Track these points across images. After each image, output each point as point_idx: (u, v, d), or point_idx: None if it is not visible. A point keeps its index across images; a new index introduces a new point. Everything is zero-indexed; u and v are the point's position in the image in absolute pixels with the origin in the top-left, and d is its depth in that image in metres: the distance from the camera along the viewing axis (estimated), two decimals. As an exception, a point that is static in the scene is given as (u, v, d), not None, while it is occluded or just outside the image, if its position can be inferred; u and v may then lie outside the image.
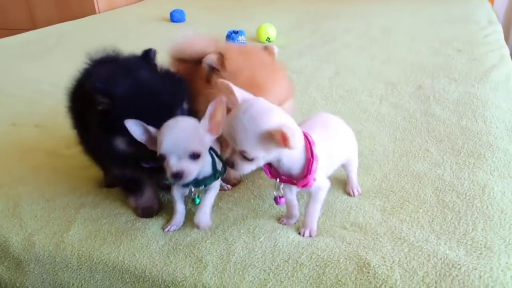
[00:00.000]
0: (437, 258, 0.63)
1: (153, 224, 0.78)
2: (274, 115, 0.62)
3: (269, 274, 0.65)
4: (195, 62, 0.84)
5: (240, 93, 0.64)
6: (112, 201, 0.85)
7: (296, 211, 0.76)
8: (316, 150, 0.66)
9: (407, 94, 1.24)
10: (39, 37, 2.21)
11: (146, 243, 0.73)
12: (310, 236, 0.72)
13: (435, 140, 0.97)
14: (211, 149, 0.74)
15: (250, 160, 0.63)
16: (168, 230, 0.76)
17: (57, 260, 0.74)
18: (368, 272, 0.62)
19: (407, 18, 2.12)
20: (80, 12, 2.65)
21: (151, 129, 0.69)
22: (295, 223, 0.76)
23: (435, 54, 1.56)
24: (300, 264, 0.65)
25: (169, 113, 0.70)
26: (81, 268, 0.73)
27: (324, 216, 0.76)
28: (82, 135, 0.83)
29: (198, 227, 0.74)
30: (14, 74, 1.70)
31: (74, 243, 0.75)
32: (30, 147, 1.09)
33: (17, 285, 0.77)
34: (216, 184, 0.77)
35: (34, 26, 2.74)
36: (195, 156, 0.68)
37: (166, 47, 0.93)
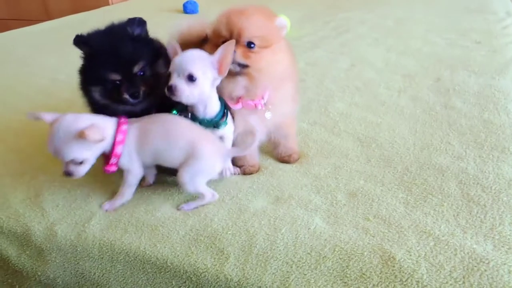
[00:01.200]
0: (464, 253, 0.62)
1: (172, 214, 0.78)
2: (79, 120, 0.73)
3: (291, 267, 0.64)
4: (196, 44, 0.87)
5: (50, 116, 0.74)
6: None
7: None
8: (119, 138, 0.77)
9: (426, 86, 1.22)
10: (54, 27, 2.22)
11: (166, 233, 0.73)
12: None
13: (457, 133, 0.95)
14: (225, 104, 0.82)
15: (81, 163, 0.75)
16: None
17: (78, 249, 0.74)
18: (394, 266, 0.61)
19: (421, 9, 2.09)
20: (94, 3, 2.65)
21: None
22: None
23: (452, 46, 1.53)
24: (323, 257, 0.65)
25: (129, 65, 0.79)
26: (102, 258, 0.73)
27: (346, 207, 0.76)
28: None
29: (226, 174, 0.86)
30: (30, 64, 1.71)
31: (95, 233, 0.75)
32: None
33: (39, 273, 0.77)
34: (228, 135, 0.84)
35: (48, 17, 2.75)
36: (190, 78, 0.75)
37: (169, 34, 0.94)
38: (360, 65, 1.44)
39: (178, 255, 0.69)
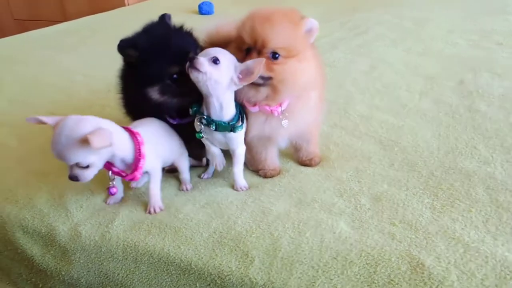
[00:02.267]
0: (495, 260, 0.60)
1: (195, 216, 0.78)
2: (84, 123, 0.70)
3: (317, 271, 0.64)
4: (223, 46, 0.87)
5: (51, 119, 0.71)
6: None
7: (121, 194, 0.85)
8: (144, 149, 0.76)
9: (448, 89, 1.20)
10: (72, 28, 2.24)
11: (190, 235, 0.73)
12: (155, 212, 0.79)
13: (482, 137, 0.94)
14: (240, 108, 0.82)
15: (87, 167, 0.72)
16: (207, 177, 0.91)
17: (102, 250, 0.75)
18: (423, 273, 0.60)
19: (440, 9, 2.05)
20: (110, 4, 2.68)
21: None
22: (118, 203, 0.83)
23: (474, 47, 1.50)
24: (349, 262, 0.64)
25: (184, 55, 0.78)
26: (126, 259, 0.73)
27: (371, 211, 0.75)
28: (125, 101, 0.92)
29: (240, 190, 0.86)
30: (49, 64, 1.72)
31: (119, 233, 0.75)
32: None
33: (63, 273, 0.78)
34: (240, 149, 0.84)
35: (65, 18, 2.78)
36: (215, 61, 0.75)
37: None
38: (380, 66, 1.43)
39: (202, 257, 0.69)
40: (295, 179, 0.87)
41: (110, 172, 0.79)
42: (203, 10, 2.38)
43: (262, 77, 0.77)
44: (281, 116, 0.82)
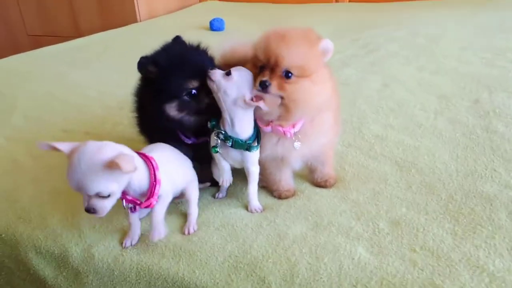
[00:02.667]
0: (523, 291, 0.58)
1: (210, 239, 0.77)
2: (105, 148, 0.67)
3: (337, 299, 0.62)
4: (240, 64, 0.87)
5: (65, 146, 0.68)
6: (168, 215, 0.84)
7: (138, 230, 0.78)
8: (159, 175, 0.73)
9: (464, 108, 1.18)
10: (85, 44, 2.27)
11: (205, 259, 0.72)
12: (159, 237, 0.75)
13: (502, 160, 0.92)
14: (258, 129, 0.82)
15: (107, 197, 0.68)
16: (222, 196, 0.90)
17: (115, 273, 0.74)
18: (447, 303, 0.58)
19: (454, 26, 2.04)
20: (122, 20, 2.71)
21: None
22: (137, 243, 0.77)
23: (489, 66, 1.49)
24: (370, 290, 0.62)
25: (203, 71, 0.80)
26: (139, 283, 0.72)
27: (390, 236, 0.73)
28: (140, 120, 0.93)
29: (253, 211, 0.84)
30: (63, 80, 1.74)
31: (132, 256, 0.74)
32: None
33: (75, 296, 0.77)
34: (255, 167, 0.84)
35: (78, 34, 2.83)
36: (227, 73, 0.77)
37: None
38: (393, 84, 1.42)
39: (217, 283, 0.68)
40: (310, 200, 0.86)
41: (124, 201, 0.74)
42: (214, 26, 2.40)
43: (262, 86, 0.76)
44: (293, 138, 0.81)
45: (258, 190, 0.86)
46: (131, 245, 0.76)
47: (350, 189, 0.89)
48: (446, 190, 0.84)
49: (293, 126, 0.81)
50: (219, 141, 0.80)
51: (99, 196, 0.67)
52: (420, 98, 1.29)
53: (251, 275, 0.68)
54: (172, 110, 0.81)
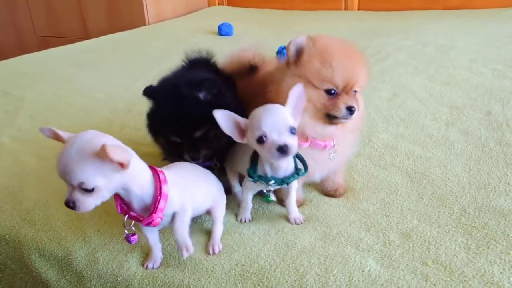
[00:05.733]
0: (541, 311, 0.56)
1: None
2: (101, 138, 0.61)
3: (346, 313, 0.60)
4: (245, 73, 0.86)
5: (66, 134, 0.64)
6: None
7: (159, 253, 0.73)
8: (166, 189, 0.66)
9: (476, 120, 1.16)
10: (93, 46, 2.28)
11: (211, 267, 0.70)
12: (189, 253, 0.69)
13: (516, 173, 0.90)
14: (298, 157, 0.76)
15: (91, 191, 0.60)
16: (243, 220, 0.82)
17: (119, 279, 0.72)
18: (462, 321, 0.56)
19: (463, 36, 2.03)
20: (131, 23, 2.72)
21: (241, 119, 0.71)
22: (159, 267, 0.72)
23: (500, 77, 1.47)
24: (381, 305, 0.60)
25: (189, 131, 0.77)
26: (143, 290, 0.71)
27: (401, 249, 0.71)
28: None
29: (294, 222, 0.80)
30: (71, 82, 1.74)
31: (137, 263, 0.73)
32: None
33: (77, 300, 0.75)
34: (295, 182, 0.78)
35: (86, 36, 2.84)
36: (292, 131, 0.68)
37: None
38: (402, 94, 1.40)
39: (224, 292, 0.66)
40: (319, 210, 0.84)
41: (126, 217, 0.68)
42: (223, 31, 2.40)
43: (350, 110, 0.74)
44: (331, 150, 0.80)
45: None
46: (153, 268, 0.72)
47: (360, 199, 0.87)
48: (458, 203, 0.82)
49: (332, 139, 0.80)
50: (271, 188, 0.76)
51: (82, 188, 0.60)
52: (431, 108, 1.28)
53: (258, 285, 0.66)
54: (160, 142, 0.84)
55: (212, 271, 0.70)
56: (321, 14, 2.88)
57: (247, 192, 0.79)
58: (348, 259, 0.69)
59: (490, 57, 1.69)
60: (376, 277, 0.65)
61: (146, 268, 0.72)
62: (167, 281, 0.69)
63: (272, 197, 0.80)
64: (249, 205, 0.81)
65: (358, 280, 0.65)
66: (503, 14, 2.40)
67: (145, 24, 2.76)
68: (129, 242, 0.72)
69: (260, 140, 0.68)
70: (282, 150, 0.66)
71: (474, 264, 0.66)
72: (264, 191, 0.79)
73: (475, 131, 1.10)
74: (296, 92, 0.71)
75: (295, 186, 0.79)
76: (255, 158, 0.75)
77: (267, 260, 0.70)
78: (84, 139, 0.60)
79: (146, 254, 0.74)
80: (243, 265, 0.70)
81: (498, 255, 0.68)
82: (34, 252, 0.80)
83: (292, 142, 0.67)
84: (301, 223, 0.80)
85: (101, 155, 0.57)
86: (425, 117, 1.21)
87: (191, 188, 0.73)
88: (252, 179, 0.74)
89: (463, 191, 0.86)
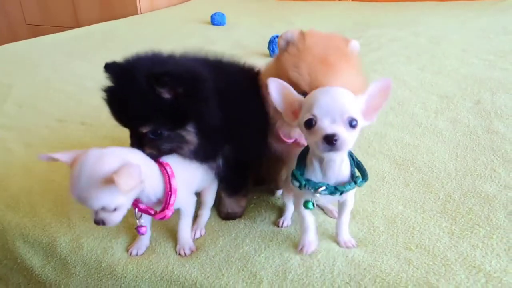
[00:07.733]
0: (520, 293, 0.57)
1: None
2: (106, 159, 0.58)
3: (329, 297, 0.60)
4: None
5: (66, 156, 0.61)
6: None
7: (147, 241, 0.73)
8: (174, 183, 0.65)
9: (465, 108, 1.16)
10: (85, 34, 2.25)
11: (196, 253, 0.70)
12: (185, 254, 0.70)
13: (502, 160, 0.90)
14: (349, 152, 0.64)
15: (114, 210, 0.61)
16: (286, 225, 0.75)
17: (103, 265, 0.72)
18: (442, 303, 0.56)
19: (456, 28, 2.03)
20: (123, 12, 2.69)
21: (297, 96, 0.60)
22: (143, 254, 0.72)
23: (491, 68, 1.47)
24: (363, 288, 0.60)
25: (135, 125, 0.67)
26: (125, 277, 0.70)
27: (385, 234, 0.71)
28: None
29: (344, 245, 0.69)
30: (61, 70, 1.72)
31: (122, 249, 0.73)
32: (76, 144, 1.09)
33: (62, 286, 0.75)
34: (351, 195, 0.66)
35: (77, 25, 2.80)
36: (352, 123, 0.55)
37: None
38: (394, 83, 1.36)
39: (208, 277, 0.66)
40: (305, 196, 0.84)
41: (136, 210, 0.68)
42: (215, 21, 2.38)
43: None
44: None
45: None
46: (137, 254, 0.72)
47: (347, 186, 0.87)
48: (444, 189, 0.82)
49: None
50: (318, 196, 0.62)
51: (105, 210, 0.61)
52: (421, 97, 1.28)
53: (242, 270, 0.66)
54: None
55: (197, 256, 0.70)
56: (314, 4, 2.87)
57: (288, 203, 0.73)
58: (333, 246, 0.69)
59: (482, 48, 1.68)
60: (359, 261, 0.65)
61: (130, 254, 0.72)
62: (151, 267, 0.69)
63: (314, 202, 0.64)
64: (291, 209, 0.74)
65: (342, 265, 0.65)
66: (498, 6, 2.39)
67: (137, 14, 2.73)
68: (140, 233, 0.71)
69: (309, 123, 0.56)
70: (329, 140, 0.54)
71: (457, 248, 0.67)
72: (312, 201, 0.63)
73: (463, 119, 1.10)
74: (380, 86, 0.58)
75: (351, 201, 0.67)
76: (303, 156, 0.63)
77: (252, 246, 0.70)
78: (88, 165, 0.58)
79: (132, 240, 0.74)
80: (228, 250, 0.70)
81: (481, 239, 0.68)
82: (18, 239, 0.79)
83: (346, 135, 0.54)
84: (353, 247, 0.68)
85: (112, 184, 0.56)
86: (414, 106, 1.21)
87: (193, 174, 0.72)
88: (297, 183, 0.61)
89: (449, 178, 0.86)
